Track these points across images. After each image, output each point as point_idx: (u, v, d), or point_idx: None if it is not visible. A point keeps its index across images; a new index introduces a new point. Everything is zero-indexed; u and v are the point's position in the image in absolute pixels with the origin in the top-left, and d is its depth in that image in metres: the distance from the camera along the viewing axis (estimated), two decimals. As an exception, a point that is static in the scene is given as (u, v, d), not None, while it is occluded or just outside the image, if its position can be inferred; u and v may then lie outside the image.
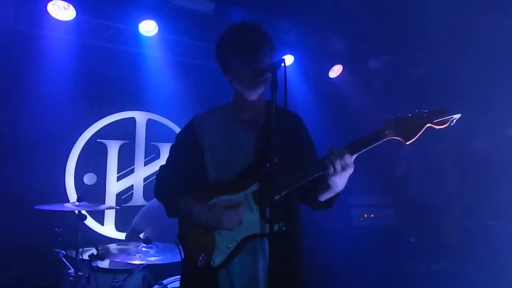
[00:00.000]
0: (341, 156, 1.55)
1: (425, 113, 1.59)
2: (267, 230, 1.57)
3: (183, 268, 1.78)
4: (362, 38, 4.75)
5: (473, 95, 3.98)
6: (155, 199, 3.71)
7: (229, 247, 1.63)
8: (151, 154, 4.76)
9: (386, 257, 4.44)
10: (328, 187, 1.64)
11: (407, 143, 1.59)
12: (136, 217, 3.71)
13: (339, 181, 1.60)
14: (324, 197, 1.72)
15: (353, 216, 5.00)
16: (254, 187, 1.64)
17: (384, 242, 4.62)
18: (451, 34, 3.91)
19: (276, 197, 1.47)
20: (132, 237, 3.59)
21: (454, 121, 1.56)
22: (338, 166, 1.55)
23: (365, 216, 5.00)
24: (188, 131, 1.84)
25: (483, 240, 3.93)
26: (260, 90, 1.70)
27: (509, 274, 3.61)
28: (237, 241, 1.63)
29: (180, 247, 1.74)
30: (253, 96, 1.72)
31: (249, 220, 1.63)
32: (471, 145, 4.16)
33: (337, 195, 1.72)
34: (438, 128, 1.57)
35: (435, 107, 1.58)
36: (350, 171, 1.58)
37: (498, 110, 4.05)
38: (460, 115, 1.55)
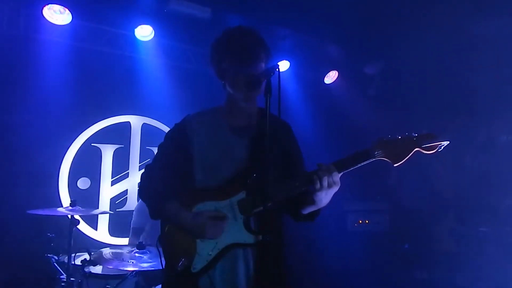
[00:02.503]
0: (329, 173, 1.56)
1: (414, 137, 1.61)
2: (250, 239, 1.58)
3: (164, 272, 1.75)
4: (358, 44, 4.79)
5: (467, 102, 4.02)
6: None
7: (210, 254, 1.61)
8: (146, 159, 4.73)
9: (380, 263, 4.44)
10: (312, 201, 1.63)
11: (395, 165, 1.61)
12: (133, 217, 3.69)
13: (324, 197, 1.60)
14: (307, 210, 1.71)
15: (348, 222, 5.00)
16: (241, 195, 1.63)
17: (378, 248, 4.62)
18: (447, 40, 3.95)
19: (260, 209, 1.45)
20: (135, 239, 3.54)
21: (442, 147, 1.59)
22: (325, 183, 1.55)
23: (360, 222, 5.00)
24: (179, 131, 1.80)
25: (475, 246, 3.95)
26: (254, 95, 1.69)
27: (501, 280, 3.63)
28: (218, 249, 1.61)
29: (161, 249, 1.70)
30: (246, 100, 1.71)
31: (232, 228, 1.62)
32: (465, 152, 4.19)
33: (319, 210, 1.72)
34: (426, 153, 1.60)
35: (425, 131, 1.61)
36: (335, 188, 1.59)
37: (491, 117, 4.08)
38: (448, 142, 1.58)
